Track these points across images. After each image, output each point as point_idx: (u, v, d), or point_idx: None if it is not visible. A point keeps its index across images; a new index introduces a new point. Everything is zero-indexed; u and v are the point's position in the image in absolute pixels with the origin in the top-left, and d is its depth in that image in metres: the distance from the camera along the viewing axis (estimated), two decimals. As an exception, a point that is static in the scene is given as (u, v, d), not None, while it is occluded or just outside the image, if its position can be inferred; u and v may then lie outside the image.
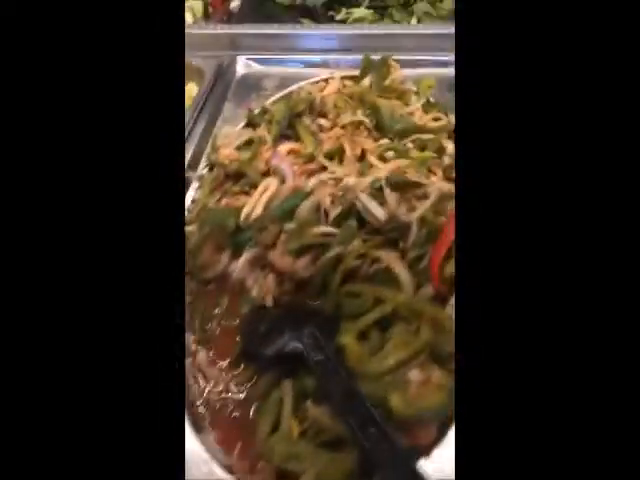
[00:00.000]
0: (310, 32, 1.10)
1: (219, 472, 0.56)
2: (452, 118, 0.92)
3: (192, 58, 1.05)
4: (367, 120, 0.88)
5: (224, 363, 0.65)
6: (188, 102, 1.02)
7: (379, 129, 0.89)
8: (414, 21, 1.17)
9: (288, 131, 0.91)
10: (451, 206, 0.72)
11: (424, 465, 0.53)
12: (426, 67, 1.05)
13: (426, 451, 0.55)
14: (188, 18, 1.24)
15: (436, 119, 0.91)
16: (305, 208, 0.71)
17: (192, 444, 0.58)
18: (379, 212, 0.68)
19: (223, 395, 0.62)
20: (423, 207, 0.68)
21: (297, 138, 0.90)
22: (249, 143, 0.87)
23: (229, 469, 0.57)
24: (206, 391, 0.63)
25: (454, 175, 0.81)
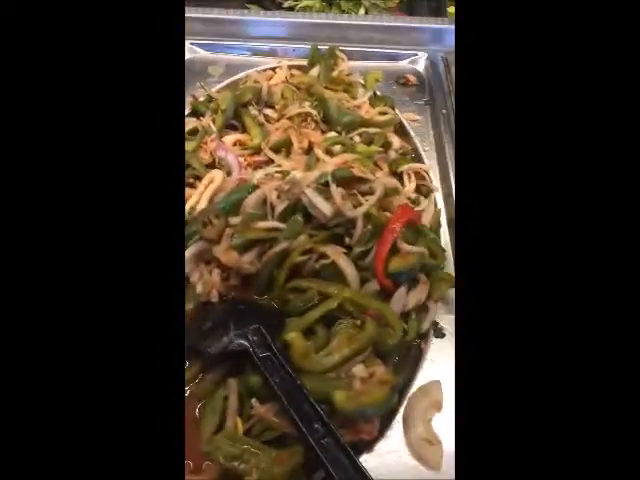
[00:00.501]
0: (258, 18, 1.07)
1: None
2: (398, 113, 0.93)
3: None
4: (314, 112, 0.88)
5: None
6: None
7: (326, 122, 0.89)
8: (362, 12, 1.16)
9: (234, 121, 0.90)
10: (396, 201, 0.74)
11: (367, 460, 0.55)
12: (373, 60, 1.05)
13: (369, 446, 0.56)
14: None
15: (382, 113, 0.92)
16: (251, 202, 0.70)
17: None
18: (325, 207, 0.68)
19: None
20: (368, 203, 0.69)
21: (243, 129, 0.88)
22: (193, 133, 0.85)
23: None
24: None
25: (399, 170, 0.82)
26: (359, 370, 0.58)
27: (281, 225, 0.68)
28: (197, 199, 0.73)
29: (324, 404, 0.55)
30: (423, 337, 0.68)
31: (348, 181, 0.72)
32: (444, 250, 0.74)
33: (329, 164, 0.74)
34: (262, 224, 0.68)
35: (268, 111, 0.90)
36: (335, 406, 0.54)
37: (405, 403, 0.60)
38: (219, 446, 0.54)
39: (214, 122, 0.86)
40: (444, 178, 0.85)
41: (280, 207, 0.69)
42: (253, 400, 0.57)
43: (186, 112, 0.91)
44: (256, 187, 0.72)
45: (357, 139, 0.86)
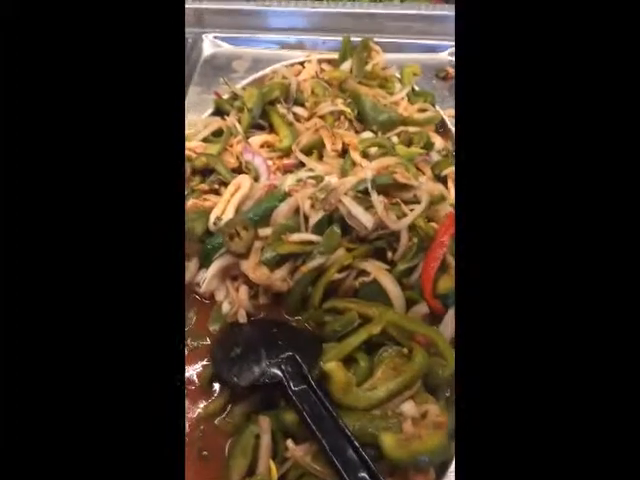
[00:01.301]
0: (285, 9, 1.00)
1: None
2: (440, 110, 0.85)
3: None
4: (348, 110, 0.80)
5: (193, 390, 0.57)
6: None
7: (361, 120, 0.81)
8: (397, 0, 1.08)
9: (261, 121, 0.83)
10: (443, 210, 0.66)
11: (420, 513, 0.48)
12: (410, 52, 0.97)
13: (422, 496, 0.49)
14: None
15: (422, 110, 0.84)
16: (282, 212, 0.63)
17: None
18: (366, 218, 0.60)
19: (191, 429, 0.55)
20: (414, 214, 0.61)
21: (271, 129, 0.82)
22: (218, 134, 0.79)
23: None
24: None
25: (442, 174, 0.75)
26: (409, 408, 0.51)
27: (316, 238, 0.61)
28: (223, 208, 0.66)
29: (370, 448, 0.48)
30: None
31: (390, 188, 0.64)
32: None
33: (367, 169, 0.66)
34: (295, 237, 0.62)
35: (298, 109, 0.83)
36: (384, 452, 0.47)
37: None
38: (250, 495, 0.48)
39: (240, 122, 0.80)
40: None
41: (315, 218, 0.62)
42: (288, 441, 0.50)
43: (209, 111, 0.85)
44: (287, 195, 0.65)
45: (395, 139, 0.79)
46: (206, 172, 0.73)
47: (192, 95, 0.92)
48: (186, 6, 1.01)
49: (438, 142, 0.80)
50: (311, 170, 0.71)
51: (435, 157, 0.78)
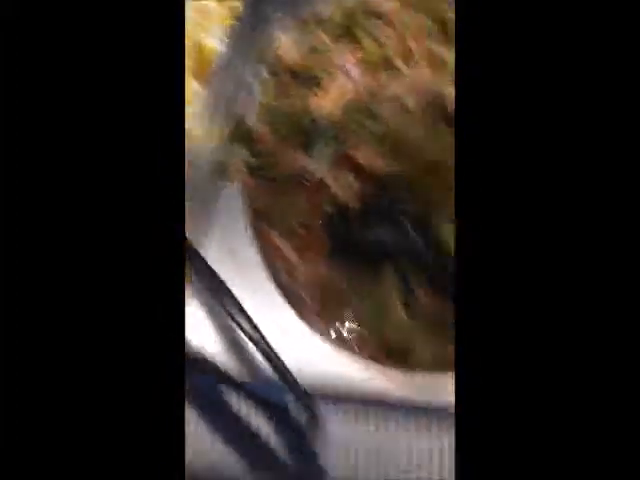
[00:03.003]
0: None
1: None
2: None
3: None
4: (427, 19, 0.85)
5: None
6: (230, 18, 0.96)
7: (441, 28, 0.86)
8: None
9: (346, 39, 0.88)
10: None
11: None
12: None
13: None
14: None
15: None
16: (387, 105, 0.69)
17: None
18: None
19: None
20: None
21: (359, 45, 0.87)
22: (313, 51, 0.84)
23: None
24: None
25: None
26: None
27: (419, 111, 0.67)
28: (326, 102, 0.72)
29: None
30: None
31: None
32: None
33: None
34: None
35: (378, 23, 0.88)
36: None
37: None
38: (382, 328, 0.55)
39: (327, 39, 0.85)
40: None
41: (419, 104, 0.68)
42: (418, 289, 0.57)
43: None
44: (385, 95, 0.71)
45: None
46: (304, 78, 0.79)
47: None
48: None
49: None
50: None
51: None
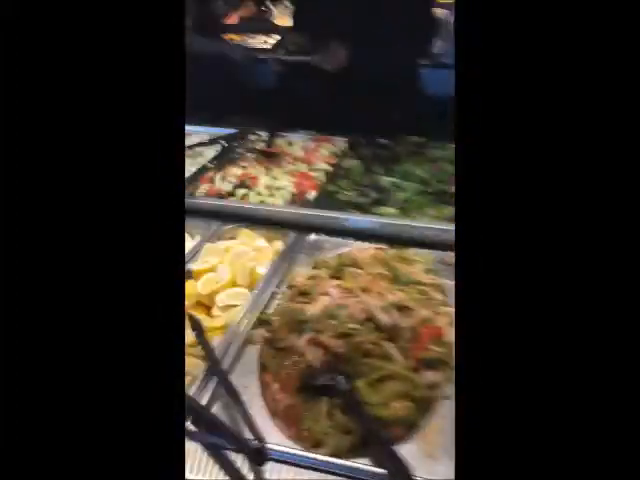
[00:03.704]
0: (358, 218, 1.73)
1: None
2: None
3: (281, 231, 1.69)
4: (387, 273, 1.44)
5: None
6: (274, 255, 1.60)
7: (394, 280, 1.44)
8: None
9: (338, 274, 1.48)
10: (429, 322, 1.23)
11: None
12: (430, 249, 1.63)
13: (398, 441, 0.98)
14: (279, 201, 1.92)
15: (431, 279, 1.46)
16: (344, 313, 1.24)
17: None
18: (385, 320, 1.19)
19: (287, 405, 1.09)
20: (411, 320, 1.20)
21: (343, 278, 1.46)
22: (313, 277, 1.44)
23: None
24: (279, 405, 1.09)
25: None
26: (396, 404, 1.03)
27: (360, 327, 1.20)
28: (313, 309, 1.27)
29: (373, 415, 1.00)
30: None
31: (401, 308, 1.24)
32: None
33: (392, 298, 1.27)
34: (350, 325, 1.20)
35: (358, 270, 1.48)
36: (380, 416, 0.99)
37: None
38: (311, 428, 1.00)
39: (325, 272, 1.45)
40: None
41: (360, 317, 1.21)
42: (337, 411, 1.03)
43: (310, 268, 1.52)
44: (347, 307, 1.26)
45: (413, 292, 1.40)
46: (306, 294, 1.36)
47: (300, 260, 1.61)
48: (301, 212, 1.76)
49: (438, 296, 1.39)
50: (362, 300, 1.32)
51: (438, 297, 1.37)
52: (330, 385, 1.08)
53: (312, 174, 2.05)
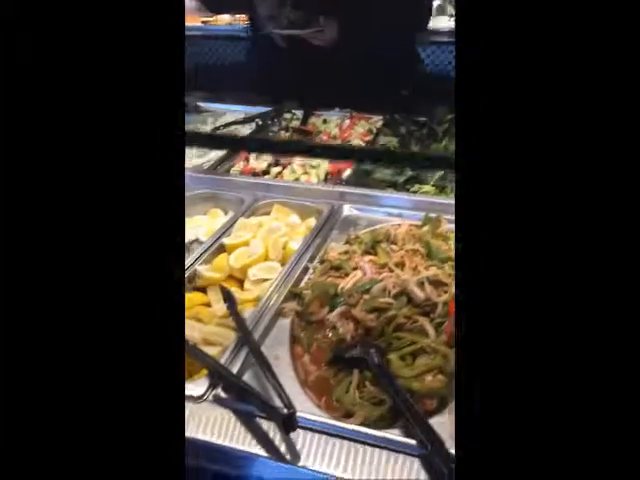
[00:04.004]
0: (392, 195, 1.70)
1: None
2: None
3: (315, 204, 1.67)
4: (422, 249, 1.41)
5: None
6: (307, 231, 1.59)
7: (428, 256, 1.41)
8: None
9: (371, 250, 1.45)
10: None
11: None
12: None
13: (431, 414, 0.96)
14: (314, 179, 1.90)
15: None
16: (377, 288, 1.22)
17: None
18: (420, 295, 1.17)
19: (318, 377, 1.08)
20: (445, 295, 1.17)
21: (376, 254, 1.44)
22: (346, 252, 1.42)
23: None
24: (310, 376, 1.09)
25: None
26: (429, 378, 1.01)
27: (393, 301, 1.18)
28: (345, 283, 1.26)
29: (406, 388, 0.98)
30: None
31: (435, 282, 1.21)
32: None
33: (426, 273, 1.24)
34: (382, 300, 1.19)
35: (393, 246, 1.46)
36: (412, 389, 0.97)
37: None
38: (343, 399, 0.99)
39: (359, 248, 1.43)
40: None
41: (393, 292, 1.19)
42: (367, 383, 1.02)
43: (343, 243, 1.50)
44: (380, 281, 1.24)
45: (446, 267, 1.37)
46: (338, 268, 1.35)
47: (334, 235, 1.59)
48: (335, 189, 1.75)
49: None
50: (396, 275, 1.30)
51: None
52: (361, 358, 1.07)
53: (347, 151, 2.03)
